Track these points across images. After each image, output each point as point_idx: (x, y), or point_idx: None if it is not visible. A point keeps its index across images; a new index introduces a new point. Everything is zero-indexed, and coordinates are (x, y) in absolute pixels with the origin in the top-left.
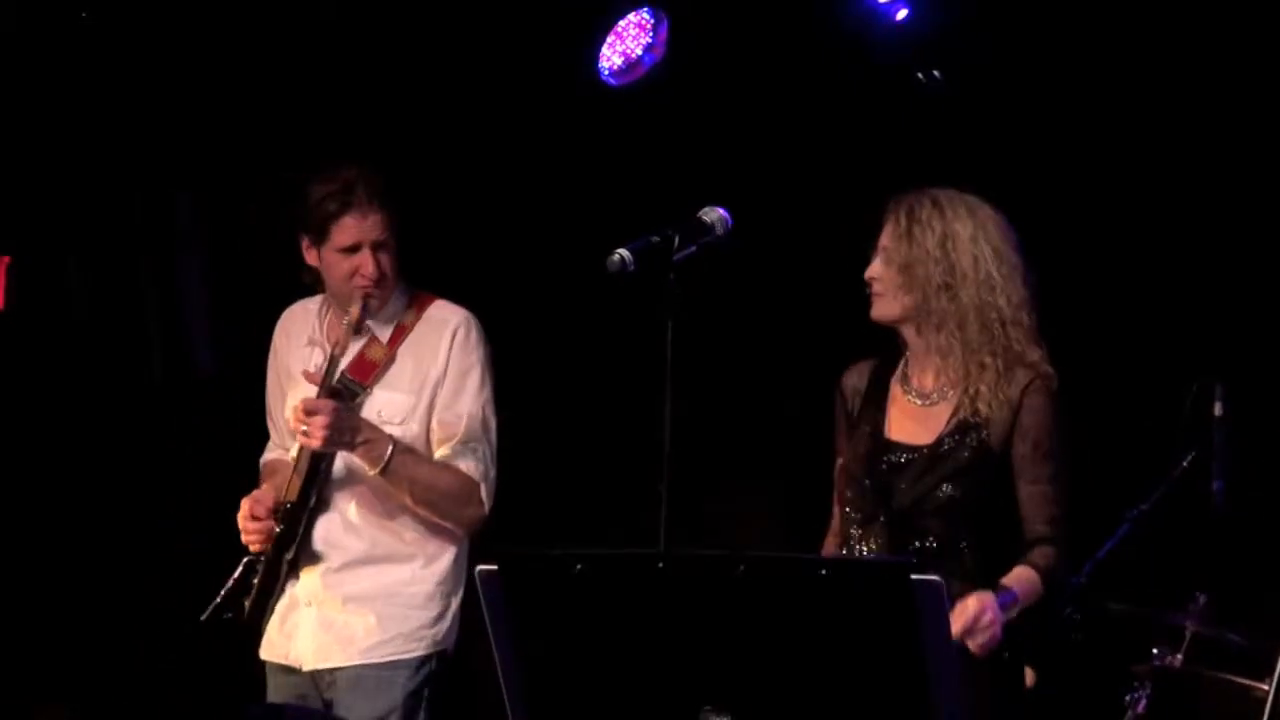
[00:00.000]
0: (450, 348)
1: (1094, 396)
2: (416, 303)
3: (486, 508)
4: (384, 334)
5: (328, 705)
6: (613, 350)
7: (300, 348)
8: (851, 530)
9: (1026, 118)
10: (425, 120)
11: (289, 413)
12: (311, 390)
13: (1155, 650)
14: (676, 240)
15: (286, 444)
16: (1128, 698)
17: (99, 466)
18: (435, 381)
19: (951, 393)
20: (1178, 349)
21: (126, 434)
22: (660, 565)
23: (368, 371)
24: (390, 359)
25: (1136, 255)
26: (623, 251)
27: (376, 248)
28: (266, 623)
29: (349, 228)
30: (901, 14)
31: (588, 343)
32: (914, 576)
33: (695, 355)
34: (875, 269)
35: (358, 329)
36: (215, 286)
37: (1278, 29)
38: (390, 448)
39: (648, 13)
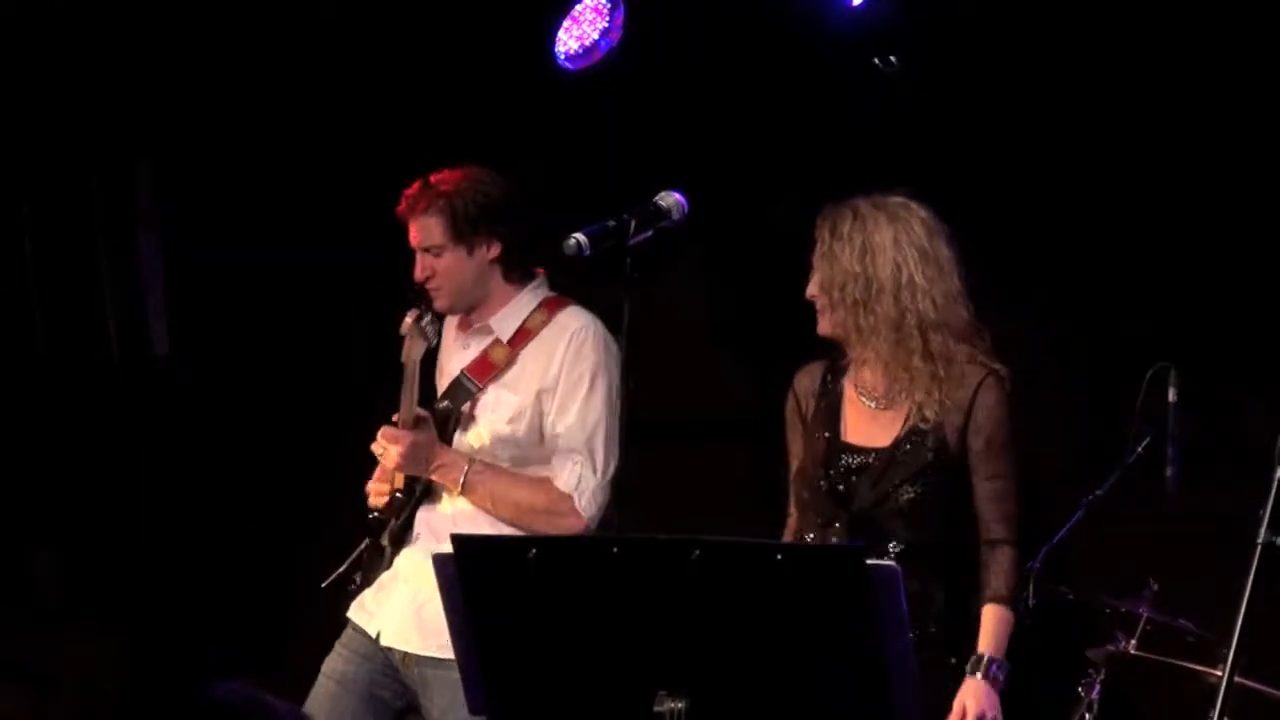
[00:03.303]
0: (564, 356)
1: (1049, 383)
2: (547, 306)
3: (586, 517)
4: (505, 332)
5: (403, 692)
6: None
7: (451, 341)
8: (809, 534)
9: (984, 103)
10: (385, 101)
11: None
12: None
13: (1109, 636)
14: (632, 225)
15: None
16: (1081, 684)
17: (53, 445)
18: (547, 389)
19: (902, 397)
20: (1133, 334)
21: (82, 413)
22: (614, 550)
23: (486, 371)
24: (511, 360)
25: (1091, 240)
26: (579, 236)
27: (427, 251)
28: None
29: (409, 228)
30: None
31: None
32: (870, 562)
33: (651, 338)
34: (811, 288)
35: (424, 335)
36: (174, 264)
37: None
38: (465, 470)
39: None
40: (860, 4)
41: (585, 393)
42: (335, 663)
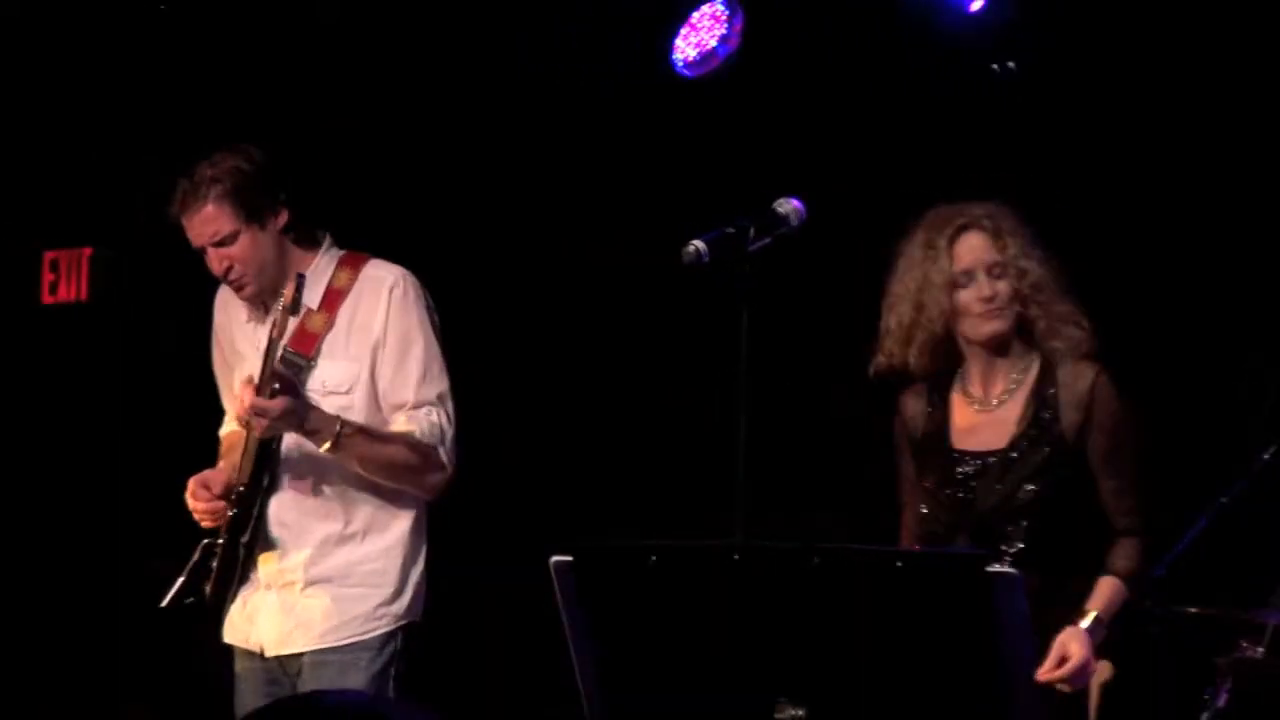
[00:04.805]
0: (388, 309)
1: (1175, 389)
2: (348, 263)
3: (450, 469)
4: (314, 299)
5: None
6: (687, 342)
7: (243, 324)
8: (932, 545)
9: (1099, 108)
10: (507, 111)
11: (239, 390)
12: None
13: (1237, 643)
14: (751, 232)
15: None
16: (1208, 692)
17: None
18: (375, 345)
19: (1019, 392)
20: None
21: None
22: (735, 557)
23: (310, 343)
24: (330, 324)
25: (1215, 243)
26: (698, 243)
27: (218, 244)
28: (229, 606)
29: (187, 231)
30: (976, 4)
31: (663, 334)
32: (991, 569)
33: (769, 347)
34: (994, 286)
35: (294, 310)
36: None
37: None
38: (338, 429)
39: (722, 4)
40: (979, 9)
41: (421, 343)
42: (236, 669)
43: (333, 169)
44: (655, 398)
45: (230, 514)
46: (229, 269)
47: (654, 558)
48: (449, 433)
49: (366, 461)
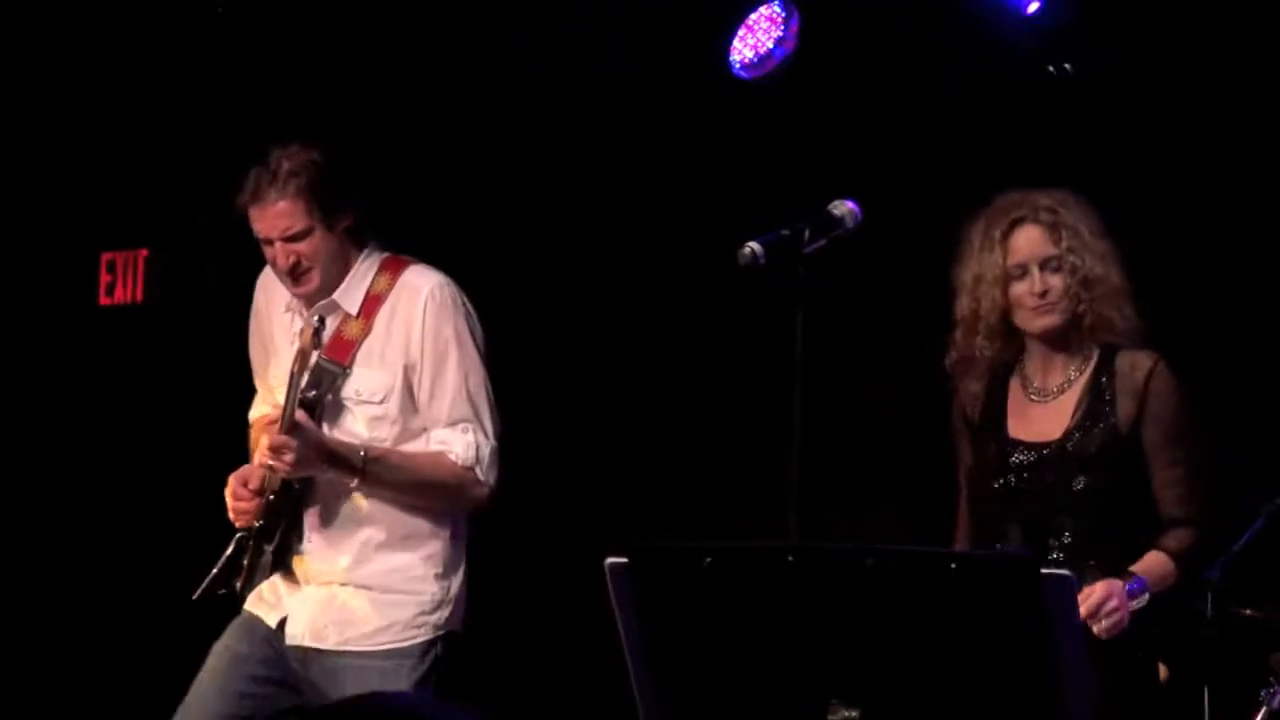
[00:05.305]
0: (424, 319)
1: (1230, 388)
2: (389, 268)
3: (488, 487)
4: (352, 304)
5: (302, 686)
6: (743, 344)
7: (280, 314)
8: (984, 533)
9: (1156, 110)
10: (562, 112)
11: (272, 380)
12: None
13: None
14: (806, 233)
15: (277, 401)
16: (1263, 693)
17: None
18: (414, 356)
19: (1076, 383)
20: None
21: None
22: (789, 558)
23: (346, 350)
24: (367, 331)
25: (1275, 241)
26: (753, 244)
27: (289, 239)
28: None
29: (255, 220)
30: (1033, 6)
31: (719, 336)
32: (1044, 571)
33: (824, 348)
34: (1047, 281)
35: (317, 345)
36: None
37: None
38: (361, 460)
39: (779, 6)
40: (1035, 11)
41: (457, 356)
42: (229, 641)
43: (395, 170)
44: (710, 400)
45: (257, 524)
46: (295, 264)
47: (709, 559)
48: (486, 449)
49: (400, 486)
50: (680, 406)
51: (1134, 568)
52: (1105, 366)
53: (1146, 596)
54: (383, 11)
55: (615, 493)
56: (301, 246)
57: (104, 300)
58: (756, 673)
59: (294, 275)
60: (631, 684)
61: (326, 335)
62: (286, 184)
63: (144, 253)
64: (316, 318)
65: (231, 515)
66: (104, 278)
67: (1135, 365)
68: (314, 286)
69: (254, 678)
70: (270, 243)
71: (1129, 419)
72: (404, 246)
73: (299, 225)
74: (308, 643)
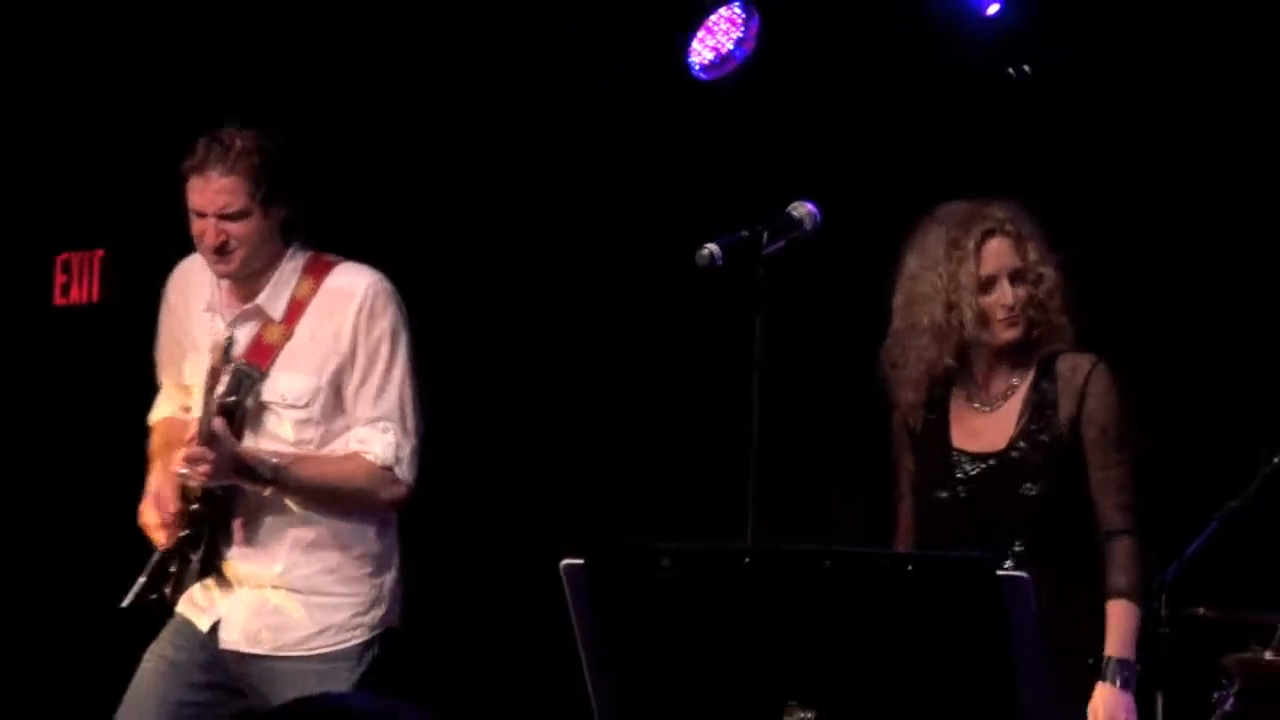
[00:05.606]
0: (356, 323)
1: (1183, 389)
2: (312, 271)
3: (406, 485)
4: (276, 310)
5: (243, 686)
6: (701, 346)
7: (200, 312)
8: (932, 542)
9: (1119, 113)
10: (518, 113)
11: (188, 378)
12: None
13: (1244, 646)
14: (765, 235)
15: (186, 402)
16: (1216, 694)
17: None
18: (340, 361)
19: (1019, 390)
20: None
21: None
22: (746, 560)
23: (265, 355)
24: (288, 336)
25: (1225, 244)
26: (711, 246)
27: (224, 217)
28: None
29: (193, 190)
30: (993, 8)
31: (676, 338)
32: (1001, 573)
33: (784, 349)
34: (1015, 293)
35: (228, 357)
36: None
37: None
38: (271, 470)
39: (739, 7)
40: (995, 13)
41: (387, 356)
42: (164, 649)
43: (353, 170)
44: (668, 401)
45: (182, 534)
46: (224, 243)
47: (666, 560)
48: (406, 448)
49: (310, 490)
50: (639, 407)
51: (1109, 647)
52: (1047, 372)
53: (1137, 667)
54: (347, 14)
55: (572, 493)
56: (234, 227)
57: (59, 300)
58: (713, 674)
59: (219, 252)
60: (587, 685)
61: (246, 341)
62: (236, 162)
63: (100, 253)
64: (226, 336)
65: (154, 538)
66: (59, 278)
67: (1075, 368)
68: (234, 268)
69: (193, 684)
70: (203, 215)
71: (1070, 420)
72: (358, 247)
73: (237, 205)
74: (243, 648)
